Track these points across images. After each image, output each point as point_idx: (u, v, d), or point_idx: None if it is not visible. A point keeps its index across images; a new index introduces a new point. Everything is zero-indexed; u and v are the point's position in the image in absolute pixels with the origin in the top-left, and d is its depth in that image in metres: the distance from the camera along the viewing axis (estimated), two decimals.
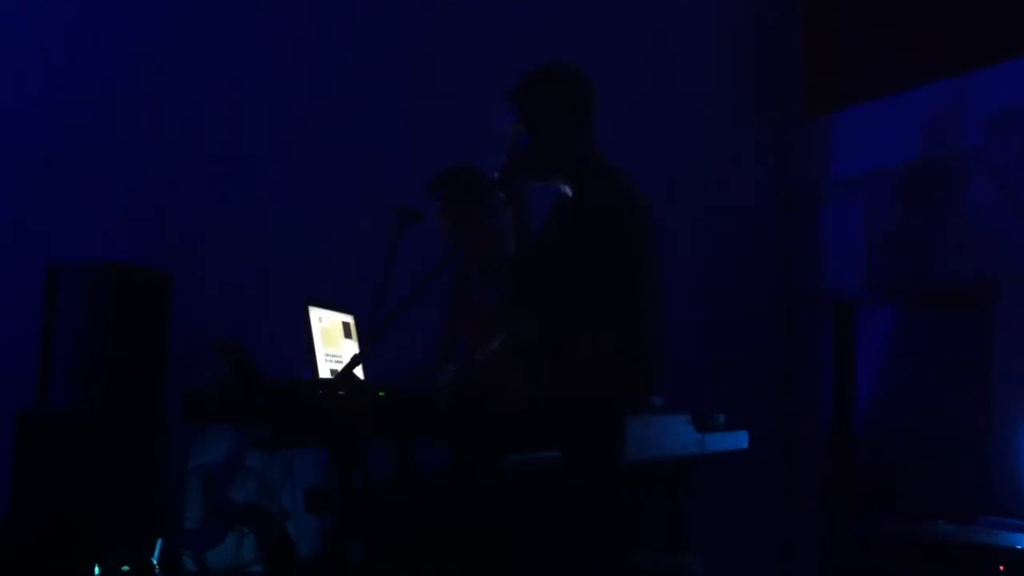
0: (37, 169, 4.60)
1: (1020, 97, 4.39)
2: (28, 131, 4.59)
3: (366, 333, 3.36)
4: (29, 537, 3.93)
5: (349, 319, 3.59)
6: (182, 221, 4.66)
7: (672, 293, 3.20)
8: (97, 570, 3.93)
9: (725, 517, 4.74)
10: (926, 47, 4.89)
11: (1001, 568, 3.64)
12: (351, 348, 3.53)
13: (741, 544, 4.81)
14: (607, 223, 2.97)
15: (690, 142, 5.28)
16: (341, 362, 3.33)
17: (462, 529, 2.78)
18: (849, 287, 5.19)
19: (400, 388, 2.84)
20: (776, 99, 5.58)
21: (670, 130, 5.21)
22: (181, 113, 4.77)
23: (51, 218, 4.54)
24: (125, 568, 3.98)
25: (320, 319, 3.35)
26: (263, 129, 4.83)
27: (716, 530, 4.34)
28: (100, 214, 4.60)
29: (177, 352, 4.27)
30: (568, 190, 3.14)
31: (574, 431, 2.54)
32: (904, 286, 4.98)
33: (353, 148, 4.88)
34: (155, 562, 4.09)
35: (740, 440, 3.15)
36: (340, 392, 2.75)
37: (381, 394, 2.71)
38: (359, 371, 3.10)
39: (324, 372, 3.29)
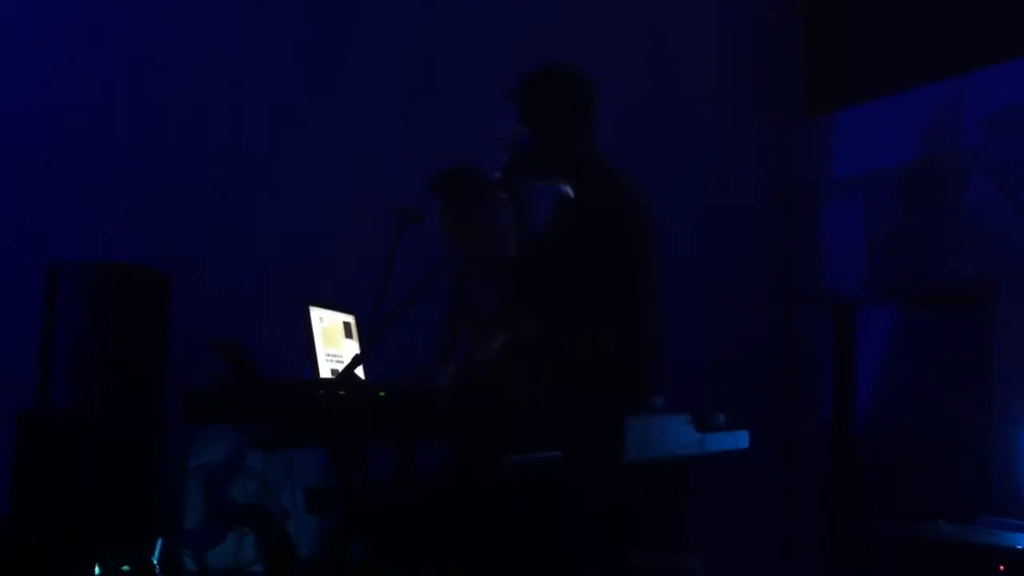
0: (37, 169, 4.60)
1: (1020, 97, 4.39)
2: (28, 131, 4.59)
3: (367, 333, 3.36)
4: (29, 537, 3.93)
5: (350, 319, 3.59)
6: (182, 221, 4.66)
7: (672, 293, 3.20)
8: (97, 570, 3.93)
9: (725, 517, 4.74)
10: (926, 47, 4.89)
11: (1001, 568, 3.64)
12: (352, 348, 3.53)
13: (741, 544, 4.81)
14: (607, 223, 2.97)
15: (690, 142, 5.28)
16: (342, 362, 3.34)
17: (462, 529, 2.78)
18: (849, 287, 5.19)
19: (400, 388, 2.84)
20: (776, 99, 5.58)
21: (670, 130, 5.21)
22: (181, 113, 4.77)
23: (51, 218, 4.54)
24: (125, 568, 3.98)
25: (321, 319, 3.35)
26: (263, 129, 4.83)
27: (716, 530, 4.33)
28: (100, 214, 4.60)
29: (177, 352, 4.27)
30: (568, 190, 3.14)
31: (574, 431, 2.54)
32: (904, 286, 4.98)
33: (353, 148, 4.88)
34: (155, 562, 4.09)
35: (740, 440, 3.15)
36: (340, 392, 2.76)
37: (381, 394, 2.71)
38: (359, 371, 3.10)
39: (325, 372, 3.29)
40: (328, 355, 3.34)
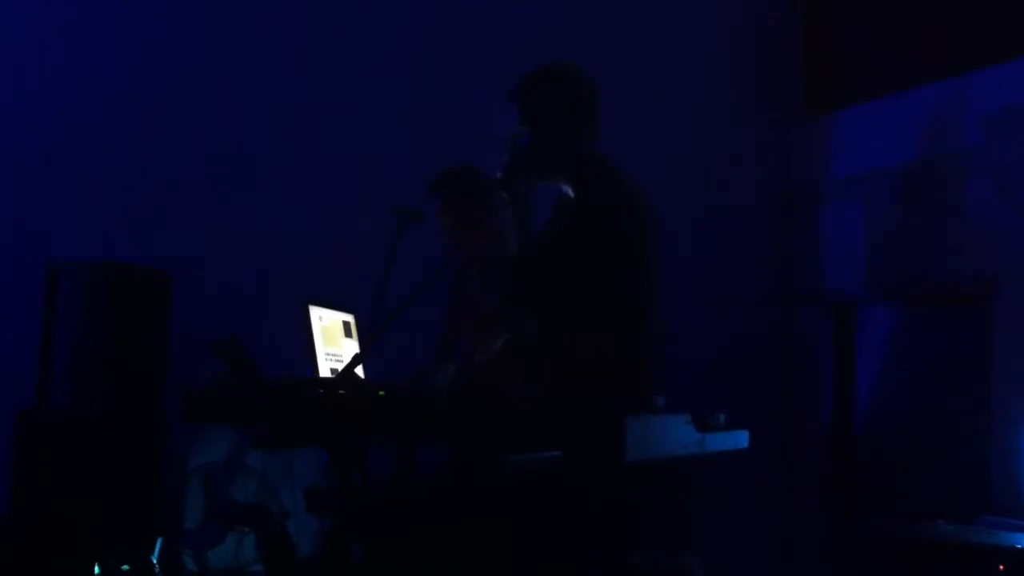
0: (37, 169, 4.60)
1: (1020, 97, 4.39)
2: (28, 131, 4.59)
3: (366, 333, 3.36)
4: (29, 537, 3.93)
5: (350, 318, 3.59)
6: (182, 221, 4.66)
7: (672, 293, 3.19)
8: (97, 570, 3.93)
9: (725, 517, 4.74)
10: (926, 47, 4.89)
11: (1001, 568, 3.64)
12: (351, 347, 3.53)
13: (741, 544, 4.81)
14: (607, 223, 2.97)
15: (690, 142, 5.28)
16: (342, 361, 3.33)
17: (462, 529, 2.77)
18: (849, 287, 5.19)
19: (400, 388, 2.84)
20: (776, 99, 5.58)
21: (670, 130, 5.21)
22: (181, 113, 4.77)
23: (51, 218, 4.54)
24: (125, 568, 3.98)
25: (321, 318, 3.35)
26: (263, 129, 4.83)
27: (716, 530, 4.33)
28: (100, 214, 4.60)
29: (177, 352, 4.27)
30: (569, 190, 3.14)
31: (574, 431, 2.54)
32: (904, 286, 4.98)
33: (353, 148, 4.88)
34: (155, 562, 4.09)
35: (740, 440, 3.15)
36: (340, 392, 2.75)
37: (381, 394, 2.71)
38: (359, 370, 3.10)
39: (324, 371, 3.29)
40: (328, 354, 3.34)
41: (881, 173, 5.01)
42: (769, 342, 5.42)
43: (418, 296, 2.80)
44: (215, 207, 4.71)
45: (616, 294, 2.96)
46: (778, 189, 5.52)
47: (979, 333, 4.52)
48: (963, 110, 4.67)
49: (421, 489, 2.93)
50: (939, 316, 4.86)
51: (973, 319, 4.59)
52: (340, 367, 3.25)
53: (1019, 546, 3.68)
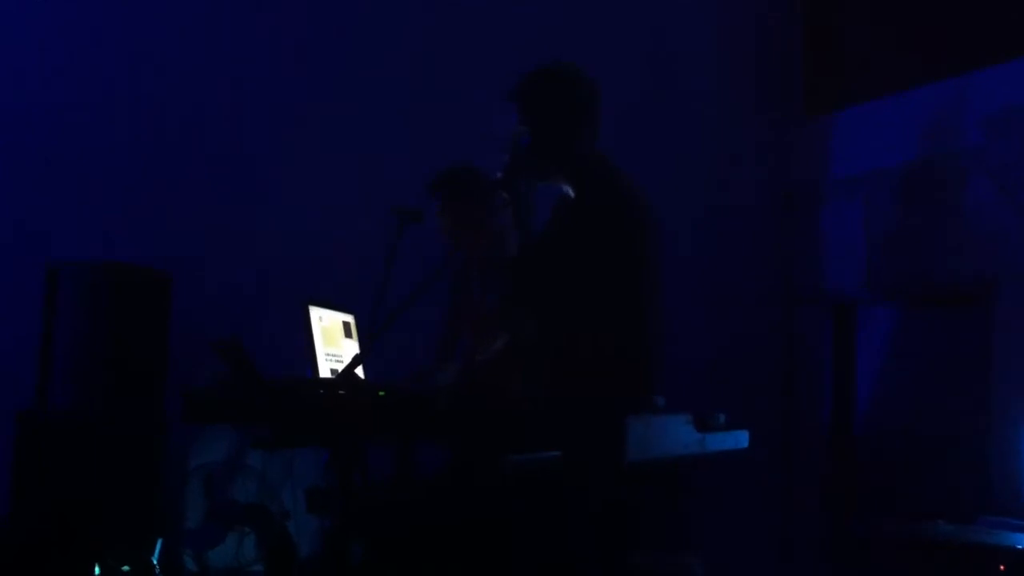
0: (37, 169, 4.60)
1: (1020, 97, 4.39)
2: (28, 131, 4.59)
3: (366, 333, 3.36)
4: (29, 537, 3.93)
5: (350, 318, 3.59)
6: (182, 221, 4.66)
7: (672, 293, 3.19)
8: (97, 570, 3.93)
9: (725, 517, 4.74)
10: (926, 47, 4.89)
11: (1001, 568, 3.64)
12: (352, 348, 3.53)
13: (741, 544, 4.81)
14: (607, 223, 2.97)
15: (690, 142, 5.28)
16: (342, 361, 3.34)
17: (462, 529, 2.77)
18: (849, 287, 5.19)
19: (400, 388, 2.84)
20: (776, 99, 5.58)
21: (670, 130, 5.21)
22: (181, 113, 4.77)
23: (51, 218, 4.55)
24: (126, 568, 3.98)
25: (321, 318, 3.35)
26: (263, 129, 4.83)
27: (716, 530, 4.33)
28: (100, 214, 4.61)
29: (177, 352, 4.27)
30: (569, 190, 3.14)
31: (574, 431, 2.54)
32: (904, 286, 4.98)
33: (353, 148, 4.88)
34: (155, 562, 4.09)
35: (741, 439, 3.15)
36: (340, 392, 2.75)
37: (381, 394, 2.71)
38: (359, 371, 3.10)
39: (324, 371, 3.29)
40: (328, 355, 3.34)
41: (881, 173, 5.01)
42: (769, 342, 5.42)
43: (418, 296, 2.80)
44: (215, 207, 4.71)
45: (616, 294, 2.95)
46: (778, 189, 5.52)
47: (979, 333, 4.52)
48: (963, 110, 4.67)
49: (421, 489, 2.93)
50: (939, 316, 4.86)
51: (973, 319, 4.59)
52: (340, 367, 3.25)
53: (1019, 546, 3.68)
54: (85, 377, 4.13)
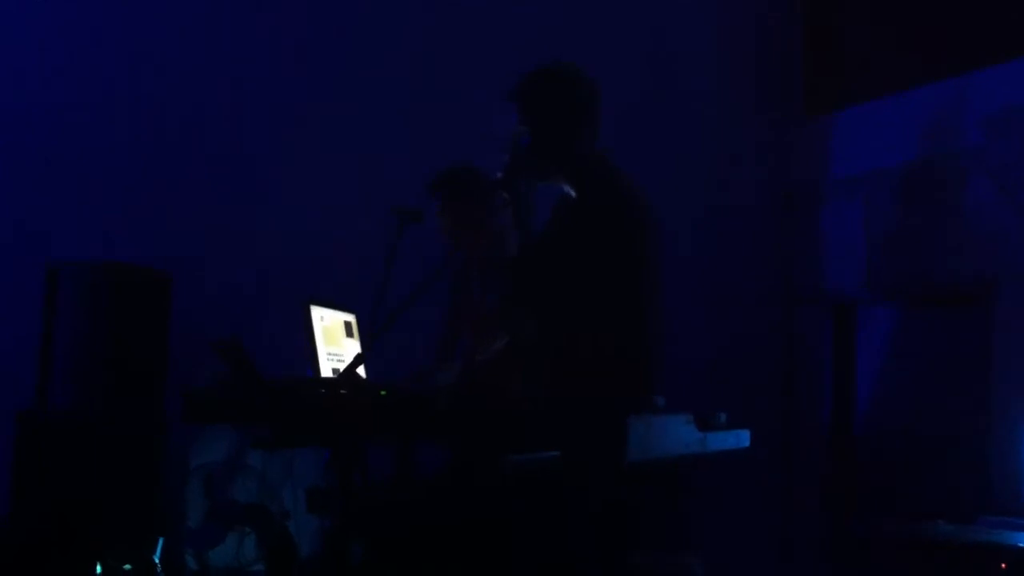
0: (37, 169, 4.60)
1: (1020, 97, 4.39)
2: (28, 131, 4.59)
3: (367, 332, 3.36)
4: (29, 537, 3.93)
5: (351, 318, 3.59)
6: (182, 221, 4.66)
7: (672, 293, 3.19)
8: (99, 569, 3.93)
9: (725, 517, 4.74)
10: (926, 47, 4.89)
11: (1003, 566, 3.64)
12: (353, 347, 3.53)
13: (741, 544, 4.81)
14: (607, 223, 2.97)
15: (690, 142, 5.28)
16: (343, 361, 3.34)
17: (462, 529, 2.77)
18: (849, 287, 5.19)
19: (400, 388, 2.84)
20: (776, 99, 5.58)
21: (670, 130, 5.21)
22: (181, 113, 4.77)
23: (51, 218, 4.55)
24: (127, 567, 3.98)
25: (322, 318, 3.35)
26: (263, 129, 4.83)
27: (716, 530, 4.33)
28: (100, 214, 4.61)
29: (177, 352, 4.27)
30: (569, 190, 3.14)
31: (575, 431, 2.54)
32: (904, 286, 4.98)
33: (353, 148, 4.88)
34: (157, 561, 4.09)
35: (742, 439, 3.15)
36: (341, 391, 2.75)
37: (382, 393, 2.71)
38: (360, 370, 3.10)
39: (326, 371, 3.29)
40: (329, 354, 3.34)
41: (881, 173, 5.01)
42: (769, 342, 5.42)
43: (418, 296, 2.80)
44: (215, 207, 4.71)
45: (616, 294, 2.95)
46: (778, 189, 5.52)
47: (979, 333, 4.52)
48: (963, 110, 4.67)
49: (421, 489, 2.93)
50: (939, 316, 4.86)
51: (973, 319, 4.59)
52: (342, 367, 3.25)
53: (1020, 545, 3.68)
54: (85, 377, 4.13)
